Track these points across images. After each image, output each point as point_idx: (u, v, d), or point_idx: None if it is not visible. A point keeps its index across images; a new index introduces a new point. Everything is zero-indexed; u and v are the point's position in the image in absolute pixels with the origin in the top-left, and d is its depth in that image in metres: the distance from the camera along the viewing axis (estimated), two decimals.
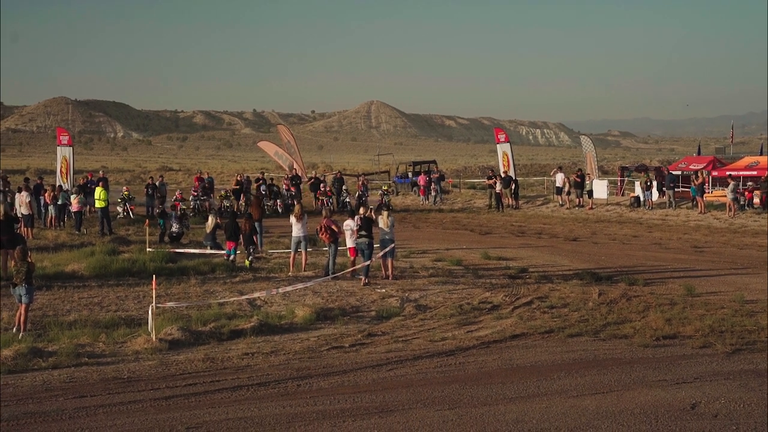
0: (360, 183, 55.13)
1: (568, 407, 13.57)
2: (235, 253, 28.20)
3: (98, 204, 37.72)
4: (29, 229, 35.04)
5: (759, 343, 17.41)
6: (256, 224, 30.13)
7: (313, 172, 65.31)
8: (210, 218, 32.14)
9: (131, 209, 44.58)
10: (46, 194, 40.30)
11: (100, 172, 53.10)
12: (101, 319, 19.97)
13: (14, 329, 18.76)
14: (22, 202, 35.90)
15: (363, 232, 25.50)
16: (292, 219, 27.58)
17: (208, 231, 31.38)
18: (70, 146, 50.22)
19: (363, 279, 25.01)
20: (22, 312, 18.87)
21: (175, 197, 38.89)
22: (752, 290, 23.38)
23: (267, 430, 12.69)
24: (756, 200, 46.94)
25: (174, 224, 34.16)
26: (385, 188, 53.98)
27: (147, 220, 34.73)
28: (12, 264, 21.39)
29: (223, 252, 28.94)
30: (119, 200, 45.20)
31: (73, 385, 15.12)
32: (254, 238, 28.33)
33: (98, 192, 37.93)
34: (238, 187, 49.13)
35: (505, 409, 13.50)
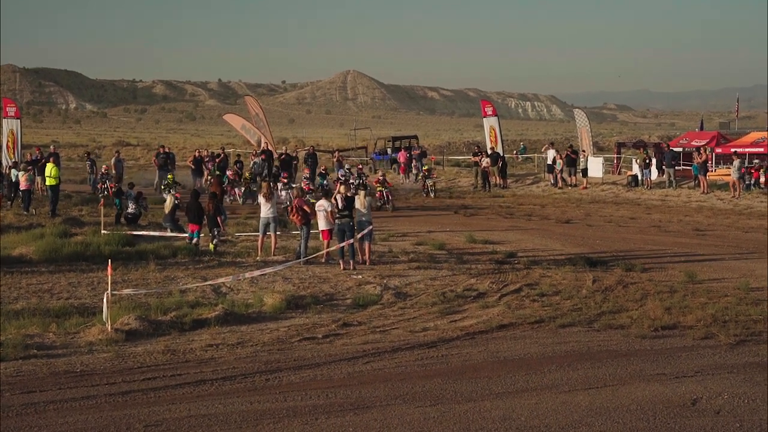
0: (335, 159, 55.13)
1: (560, 403, 13.62)
2: (199, 236, 28.09)
3: (49, 182, 37.51)
4: None
5: (765, 333, 17.50)
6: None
7: (284, 147, 65.21)
8: (168, 197, 32.50)
9: (177, 196, 42.08)
10: None
11: (51, 147, 53.00)
12: (52, 308, 19.84)
13: None
14: None
15: (344, 212, 25.43)
16: (261, 199, 27.50)
17: (166, 212, 31.60)
18: (17, 119, 50.01)
19: (343, 263, 25.01)
20: None
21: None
22: (758, 277, 23.49)
23: (233, 428, 12.69)
24: (762, 179, 47.07)
25: (131, 204, 33.98)
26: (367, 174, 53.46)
27: (102, 200, 34.62)
28: None
29: (185, 235, 28.85)
30: (162, 187, 42.67)
31: (21, 380, 15.04)
32: (218, 219, 28.22)
33: (49, 168, 37.70)
34: (194, 166, 49.05)
35: (491, 406, 13.53)
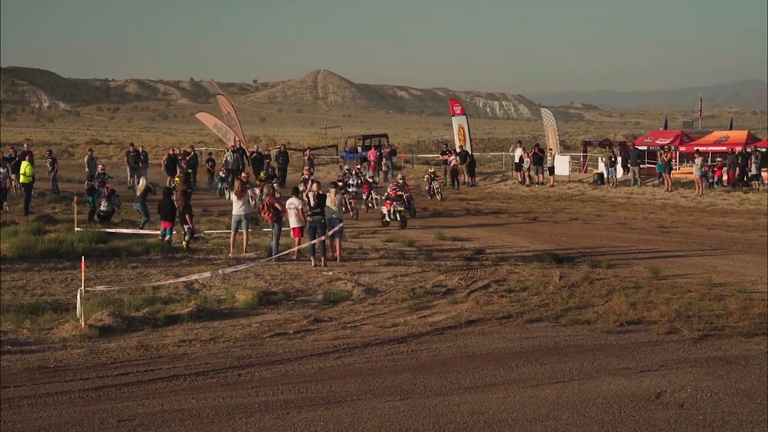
0: (306, 158, 55.10)
1: (527, 397, 13.66)
2: (171, 233, 28.05)
3: (23, 179, 37.41)
4: None
5: (727, 328, 17.60)
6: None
7: (256, 146, 65.10)
8: (141, 180, 33.17)
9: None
10: None
11: (25, 146, 52.69)
12: (25, 304, 19.78)
13: None
14: None
15: (317, 210, 25.42)
16: (233, 196, 27.50)
17: (138, 194, 32.33)
18: None
19: (314, 259, 25.01)
20: None
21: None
22: (721, 273, 23.63)
23: (205, 422, 12.67)
24: (725, 177, 47.40)
25: (103, 202, 33.89)
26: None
27: (75, 198, 34.51)
28: None
29: (157, 232, 28.78)
30: (172, 187, 40.28)
31: None
32: (186, 216, 28.10)
33: (24, 166, 37.62)
34: (167, 165, 48.92)
35: (460, 400, 13.56)
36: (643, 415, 12.75)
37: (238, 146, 53.52)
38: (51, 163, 48.62)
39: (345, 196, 34.37)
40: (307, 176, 41.96)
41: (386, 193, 33.14)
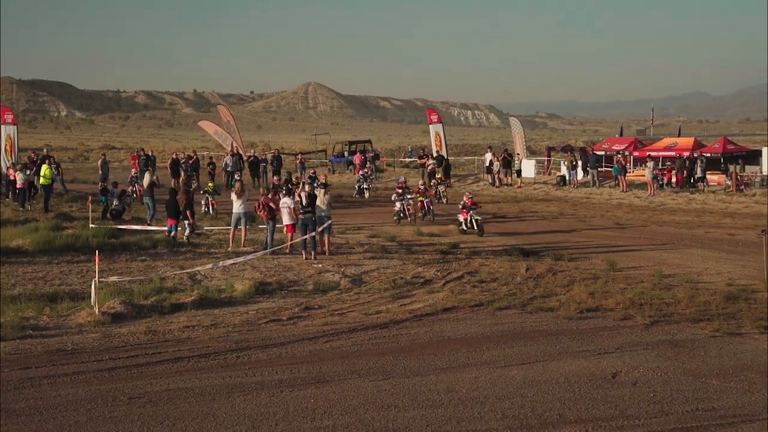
0: (298, 161, 55.12)
1: (497, 377, 13.69)
2: (176, 230, 28.03)
3: (42, 181, 37.36)
4: None
5: (676, 315, 17.66)
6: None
7: (252, 150, 64.96)
8: (146, 175, 34.15)
9: (213, 204, 37.59)
10: None
11: (44, 150, 52.59)
12: (45, 293, 19.74)
13: None
14: None
15: (308, 209, 25.40)
16: (233, 196, 27.47)
17: (145, 186, 33.47)
18: (14, 125, 49.62)
19: (305, 253, 24.98)
20: None
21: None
22: (670, 265, 23.69)
23: (207, 400, 12.67)
24: (674, 180, 47.64)
25: (115, 201, 33.90)
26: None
27: (89, 197, 34.48)
28: None
29: (163, 228, 28.75)
30: (203, 192, 39.20)
31: (19, 357, 15.00)
32: (188, 212, 28.05)
33: (44, 169, 37.60)
34: (171, 168, 48.79)
35: (436, 379, 13.58)
36: (600, 393, 12.80)
37: (236, 151, 53.46)
38: (56, 168, 48.30)
39: (403, 202, 33.96)
40: (324, 180, 41.29)
41: (462, 202, 30.98)
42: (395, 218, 33.97)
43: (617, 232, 31.38)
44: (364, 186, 46.41)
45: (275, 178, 41.65)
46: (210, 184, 39.59)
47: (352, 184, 53.50)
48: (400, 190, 34.48)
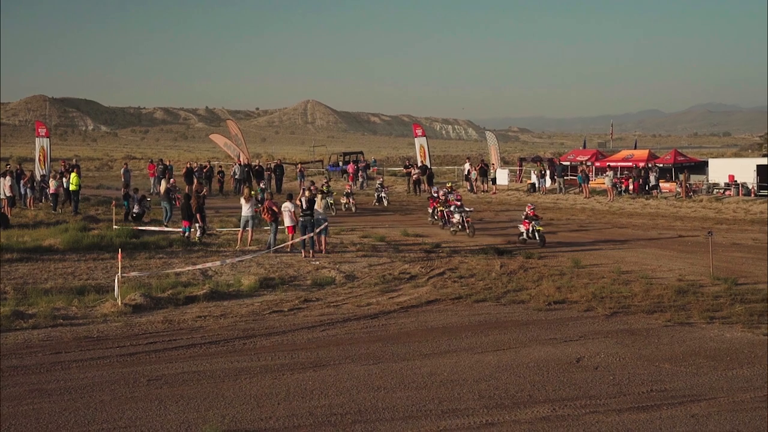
0: (298, 170, 55.25)
1: (474, 362, 13.69)
2: (190, 231, 28.04)
3: (72, 187, 37.38)
4: (11, 208, 34.52)
5: (632, 307, 17.70)
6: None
7: (257, 160, 64.94)
8: (162, 182, 34.39)
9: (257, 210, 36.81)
10: (24, 179, 40.05)
11: (73, 160, 52.55)
12: (74, 287, 19.71)
13: None
14: (5, 186, 35.61)
15: (307, 212, 25.41)
16: (242, 200, 27.51)
17: (162, 192, 33.60)
18: (47, 137, 49.52)
19: (304, 251, 24.96)
20: None
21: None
22: (627, 263, 23.72)
23: (217, 381, 12.67)
24: (630, 187, 47.92)
25: (136, 205, 33.94)
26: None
27: (113, 202, 34.54)
28: None
29: (178, 230, 28.73)
30: (253, 193, 35.31)
31: (50, 343, 15.00)
32: (198, 215, 28.06)
33: (73, 177, 37.62)
34: (186, 176, 48.74)
35: (420, 364, 13.59)
36: (566, 376, 12.82)
37: (243, 161, 53.46)
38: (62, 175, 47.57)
39: (463, 214, 30.66)
40: (324, 187, 41.11)
41: (525, 213, 28.51)
42: (452, 230, 30.94)
43: (581, 233, 31.40)
44: (383, 195, 45.06)
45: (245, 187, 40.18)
46: (257, 188, 39.63)
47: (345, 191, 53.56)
48: (458, 203, 31.19)
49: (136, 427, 10.75)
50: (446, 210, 31.80)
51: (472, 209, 32.20)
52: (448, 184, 38.29)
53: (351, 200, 41.40)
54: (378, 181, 49.24)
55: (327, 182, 43.31)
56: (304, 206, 25.46)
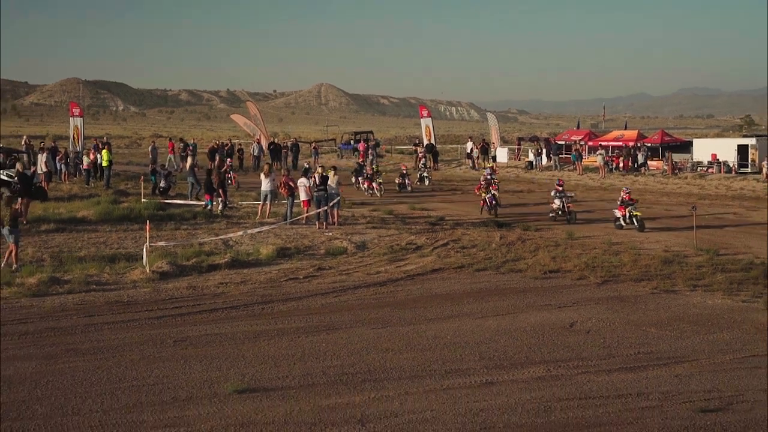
0: (312, 147, 55.26)
1: (475, 326, 13.72)
2: (212, 204, 28.05)
3: (104, 163, 37.38)
4: (47, 183, 34.56)
5: (622, 275, 17.70)
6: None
7: (273, 139, 64.86)
8: (189, 159, 35.32)
9: (376, 188, 34.61)
10: (60, 156, 40.09)
11: (105, 138, 52.50)
12: (106, 255, 19.79)
13: (13, 266, 18.18)
14: (41, 162, 35.63)
15: (321, 187, 25.43)
16: (262, 176, 27.51)
17: (187, 168, 33.75)
18: (81, 117, 49.58)
19: (318, 223, 24.95)
20: (13, 250, 18.49)
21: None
22: (617, 235, 23.70)
23: (237, 343, 12.71)
24: (621, 165, 47.91)
25: (162, 180, 33.94)
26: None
27: (141, 177, 34.57)
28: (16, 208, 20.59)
29: (201, 203, 28.75)
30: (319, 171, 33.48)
31: (84, 307, 15.06)
32: (220, 190, 28.15)
33: (104, 153, 37.61)
34: (210, 153, 48.66)
35: (425, 328, 13.61)
36: (560, 339, 12.84)
37: (263, 140, 53.42)
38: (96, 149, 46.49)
39: (564, 200, 27.15)
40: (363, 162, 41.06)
41: (621, 198, 25.34)
42: (551, 215, 27.48)
43: (574, 207, 31.31)
44: (425, 174, 41.79)
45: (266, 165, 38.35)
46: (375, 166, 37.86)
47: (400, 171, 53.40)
48: (560, 188, 27.73)
49: (163, 385, 10.79)
50: (488, 197, 28.36)
51: (573, 194, 29.07)
52: (488, 164, 36.95)
53: (407, 180, 38.29)
54: (420, 161, 47.75)
55: (376, 163, 41.44)
56: (318, 182, 25.48)
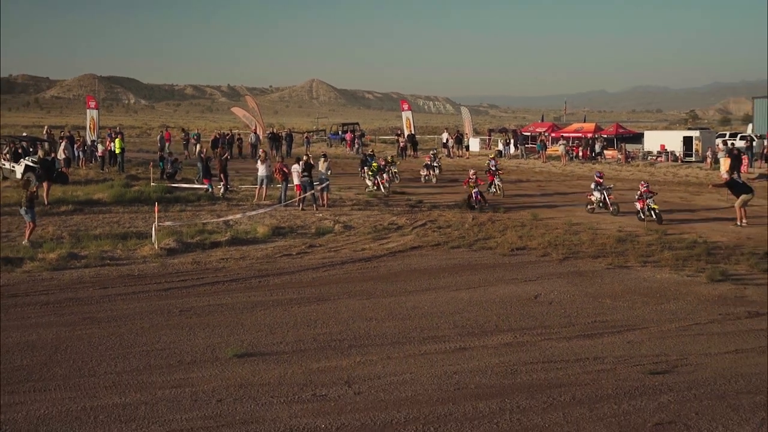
0: (305, 137, 55.15)
1: (450, 297, 13.73)
2: (212, 187, 28.11)
3: (117, 150, 37.35)
4: (66, 168, 34.41)
5: (581, 253, 17.73)
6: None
7: (273, 129, 64.65)
8: (198, 146, 37.06)
9: (382, 183, 30.38)
10: (77, 144, 40.17)
11: (117, 128, 52.19)
12: (119, 233, 19.72)
13: (24, 242, 18.22)
14: (61, 150, 35.60)
15: (305, 173, 25.42)
16: (258, 162, 27.53)
17: (197, 154, 33.92)
18: (96, 109, 49.19)
19: (302, 205, 24.95)
20: (30, 227, 18.56)
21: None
22: (577, 216, 23.73)
23: (236, 312, 12.69)
24: (580, 154, 48.11)
25: (169, 166, 33.82)
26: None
27: (150, 163, 34.49)
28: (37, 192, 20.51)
29: (203, 186, 28.72)
30: (369, 174, 31.41)
31: (99, 279, 15.00)
32: (221, 175, 28.22)
33: (117, 142, 37.61)
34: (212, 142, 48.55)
35: (405, 299, 13.62)
36: (526, 309, 12.87)
37: (260, 131, 53.24)
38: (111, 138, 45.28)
39: (604, 192, 24.65)
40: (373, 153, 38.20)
41: (639, 192, 22.93)
42: (589, 207, 24.88)
43: (539, 192, 31.38)
44: (435, 164, 36.64)
45: (261, 151, 34.75)
46: (390, 157, 33.52)
47: (346, 155, 53.30)
48: (600, 180, 25.14)
49: (170, 350, 10.78)
50: (473, 192, 25.48)
51: (612, 186, 25.89)
52: (491, 155, 34.71)
53: (432, 173, 35.24)
54: (431, 151, 44.21)
55: (391, 157, 37.14)
56: (301, 169, 25.49)
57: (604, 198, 24.68)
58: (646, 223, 21.98)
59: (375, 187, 30.49)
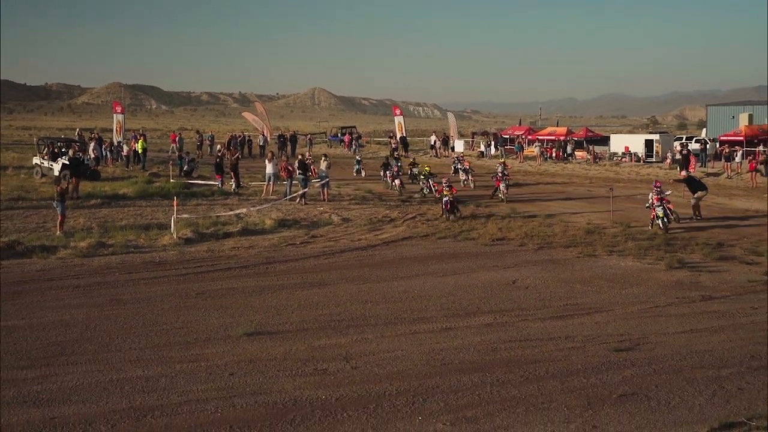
0: (307, 138, 55.15)
1: (437, 282, 13.74)
2: (223, 183, 28.20)
3: (140, 150, 37.43)
4: (96, 166, 34.39)
5: (554, 243, 17.75)
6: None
7: (282, 132, 64.52)
8: (219, 146, 36.77)
9: (434, 185, 27.07)
10: (105, 144, 40.31)
11: (140, 130, 52.14)
12: (142, 224, 19.71)
13: (57, 232, 18.31)
14: (91, 150, 35.71)
15: (301, 172, 25.56)
16: (266, 161, 27.55)
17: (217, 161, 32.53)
18: (122, 114, 49.18)
19: (300, 201, 24.91)
20: (60, 219, 18.64)
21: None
22: (551, 210, 23.74)
23: (246, 295, 12.69)
24: (554, 155, 48.19)
25: (187, 164, 33.77)
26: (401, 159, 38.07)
27: (170, 162, 34.48)
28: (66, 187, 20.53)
29: (214, 183, 28.74)
30: (422, 177, 28.78)
31: (125, 265, 14.99)
32: (232, 173, 28.27)
33: (140, 143, 37.69)
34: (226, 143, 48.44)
35: (397, 284, 13.62)
36: (505, 293, 12.89)
37: (268, 134, 53.17)
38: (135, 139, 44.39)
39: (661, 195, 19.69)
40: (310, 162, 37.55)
41: (660, 196, 19.52)
42: (656, 221, 19.68)
43: (517, 188, 31.33)
44: (460, 167, 33.42)
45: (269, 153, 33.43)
46: (427, 168, 29.73)
47: (346, 155, 53.19)
48: (658, 187, 20.00)
49: (187, 328, 10.78)
50: (444, 200, 22.25)
51: (669, 192, 20.71)
52: (501, 159, 31.41)
53: (470, 177, 31.46)
54: (455, 155, 41.43)
55: (414, 159, 35.14)
56: (297, 168, 25.68)
57: (665, 211, 19.57)
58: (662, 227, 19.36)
59: (423, 191, 27.59)
